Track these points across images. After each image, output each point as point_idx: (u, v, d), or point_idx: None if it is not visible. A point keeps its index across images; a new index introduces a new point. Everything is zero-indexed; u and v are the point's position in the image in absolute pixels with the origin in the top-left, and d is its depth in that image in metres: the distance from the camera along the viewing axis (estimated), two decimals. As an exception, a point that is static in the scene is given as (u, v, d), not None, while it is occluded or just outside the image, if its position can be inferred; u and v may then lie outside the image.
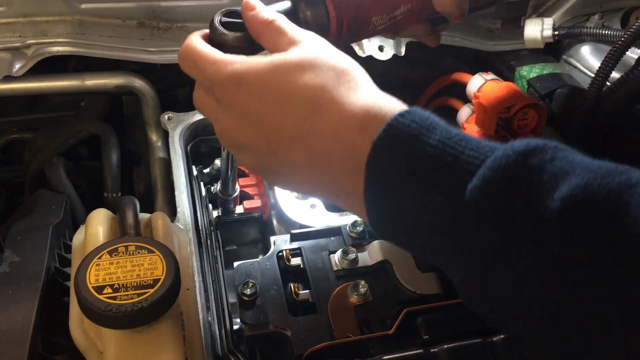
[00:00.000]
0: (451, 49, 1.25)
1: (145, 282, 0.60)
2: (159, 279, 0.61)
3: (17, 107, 1.25)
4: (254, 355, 0.82)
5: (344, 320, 0.78)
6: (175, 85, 1.32)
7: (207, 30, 0.66)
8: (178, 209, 0.91)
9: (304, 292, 0.81)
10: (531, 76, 1.21)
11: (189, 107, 1.12)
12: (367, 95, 0.57)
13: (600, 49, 1.21)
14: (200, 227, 0.92)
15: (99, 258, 0.63)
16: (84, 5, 1.08)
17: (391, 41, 1.20)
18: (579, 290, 0.44)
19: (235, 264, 0.83)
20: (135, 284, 0.60)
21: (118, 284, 0.60)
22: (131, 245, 0.64)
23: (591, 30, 1.16)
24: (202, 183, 1.03)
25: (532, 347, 0.68)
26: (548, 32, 1.23)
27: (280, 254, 0.84)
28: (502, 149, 0.49)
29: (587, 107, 1.02)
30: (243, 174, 1.08)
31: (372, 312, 0.79)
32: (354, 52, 1.17)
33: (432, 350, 0.69)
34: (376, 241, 0.85)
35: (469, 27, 1.27)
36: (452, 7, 0.74)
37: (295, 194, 0.97)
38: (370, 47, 1.18)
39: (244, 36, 0.64)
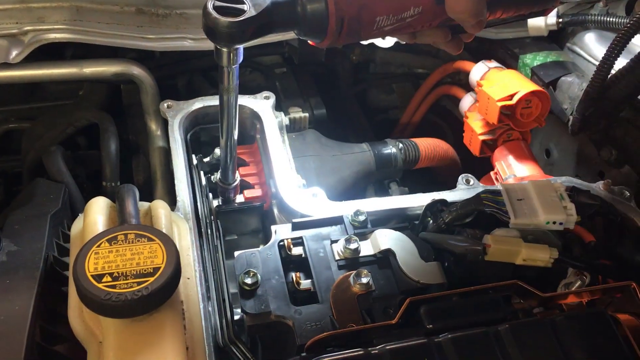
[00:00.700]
0: (454, 36, 1.24)
1: (145, 270, 0.59)
2: (159, 268, 0.60)
3: (15, 96, 1.24)
4: (255, 345, 0.82)
5: (347, 309, 0.77)
6: (175, 74, 1.31)
7: None
8: (178, 198, 0.90)
9: (305, 282, 0.80)
10: (535, 64, 1.20)
11: (189, 95, 1.12)
12: None
13: (604, 36, 1.20)
14: (200, 216, 0.91)
15: (98, 246, 0.62)
16: (81, -9, 1.07)
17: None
18: None
19: (236, 253, 0.81)
20: (135, 273, 0.59)
21: (117, 272, 0.59)
22: (131, 233, 0.63)
23: (595, 17, 1.15)
24: (202, 172, 1.02)
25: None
26: (552, 20, 1.22)
27: (281, 243, 0.83)
28: None
29: (591, 95, 1.01)
30: (243, 163, 1.07)
31: (375, 302, 0.78)
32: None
33: (435, 339, 0.68)
34: (378, 230, 0.84)
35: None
36: (464, 14, 0.68)
37: (297, 183, 0.96)
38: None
39: (238, 21, 0.63)
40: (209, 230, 0.91)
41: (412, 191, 1.01)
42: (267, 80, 1.33)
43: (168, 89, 1.21)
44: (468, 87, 1.25)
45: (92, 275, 0.58)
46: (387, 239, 0.83)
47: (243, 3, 0.64)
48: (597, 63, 1.01)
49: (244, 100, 1.07)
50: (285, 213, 0.94)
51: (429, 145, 1.19)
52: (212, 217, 0.94)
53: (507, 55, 1.27)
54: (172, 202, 0.90)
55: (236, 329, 0.79)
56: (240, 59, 0.73)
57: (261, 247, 0.84)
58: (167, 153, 1.10)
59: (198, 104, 1.06)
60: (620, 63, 0.98)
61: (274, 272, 0.80)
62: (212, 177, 1.03)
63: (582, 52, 1.21)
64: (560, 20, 1.21)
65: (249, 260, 0.80)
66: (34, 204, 0.88)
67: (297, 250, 0.83)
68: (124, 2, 1.09)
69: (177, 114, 1.04)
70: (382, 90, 1.53)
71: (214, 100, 1.06)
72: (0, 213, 0.97)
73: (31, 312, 0.67)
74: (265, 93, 1.09)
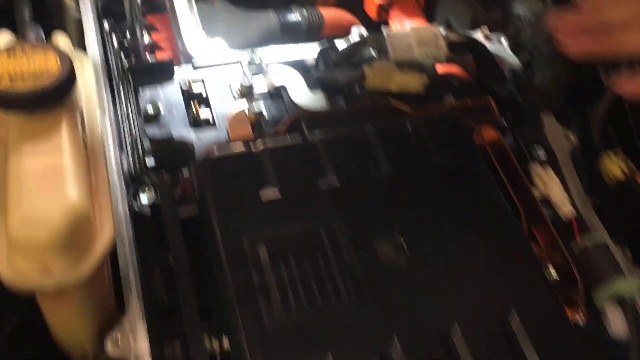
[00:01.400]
0: None
1: (41, 73, 0.67)
2: (55, 72, 0.67)
3: None
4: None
5: (242, 135, 0.86)
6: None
7: None
8: (88, 51, 0.95)
9: (204, 111, 0.89)
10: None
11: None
12: None
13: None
14: (112, 69, 0.97)
15: (-4, 58, 0.68)
16: None
17: None
18: None
19: (140, 88, 0.89)
20: (32, 76, 0.66)
21: (15, 74, 0.66)
22: (28, 47, 0.70)
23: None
24: (112, 33, 1.07)
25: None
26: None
27: (182, 81, 0.91)
28: None
29: None
30: (153, 28, 1.12)
31: (267, 126, 0.87)
32: None
33: (311, 142, 0.78)
34: (271, 66, 0.93)
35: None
36: None
37: (203, 35, 1.03)
38: None
39: None
40: (121, 85, 0.98)
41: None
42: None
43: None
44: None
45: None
46: (279, 77, 0.93)
47: None
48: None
49: (153, -34, 1.11)
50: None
51: (334, 16, 1.26)
52: (123, 72, 1.00)
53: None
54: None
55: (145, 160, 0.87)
56: None
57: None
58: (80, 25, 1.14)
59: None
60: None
61: (176, 104, 0.88)
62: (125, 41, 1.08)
63: None
64: None
65: (152, 95, 0.89)
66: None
67: (197, 88, 0.92)
68: None
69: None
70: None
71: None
72: None
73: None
74: (174, -41, 1.13)
